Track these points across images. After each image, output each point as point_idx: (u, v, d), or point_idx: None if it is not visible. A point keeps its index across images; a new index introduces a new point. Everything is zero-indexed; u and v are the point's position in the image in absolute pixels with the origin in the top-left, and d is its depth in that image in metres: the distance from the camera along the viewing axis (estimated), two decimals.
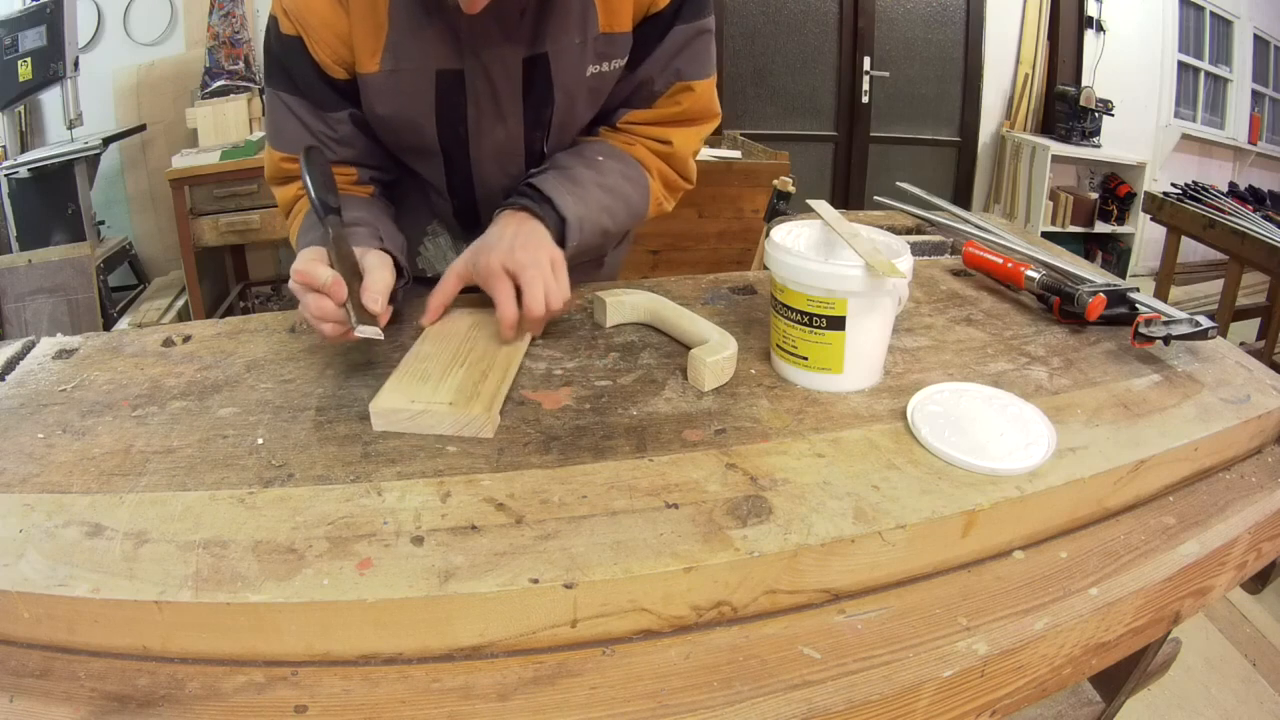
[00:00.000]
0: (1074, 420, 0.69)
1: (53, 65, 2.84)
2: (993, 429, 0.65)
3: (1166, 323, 0.80)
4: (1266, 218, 2.68)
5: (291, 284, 0.74)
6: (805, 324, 0.72)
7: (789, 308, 0.73)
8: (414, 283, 1.11)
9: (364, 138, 0.93)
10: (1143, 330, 0.80)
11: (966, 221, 1.19)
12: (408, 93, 0.87)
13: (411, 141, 0.94)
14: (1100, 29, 4.16)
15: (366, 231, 0.85)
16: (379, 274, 0.75)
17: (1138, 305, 0.86)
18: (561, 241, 0.86)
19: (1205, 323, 0.80)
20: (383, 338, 0.71)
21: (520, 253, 0.80)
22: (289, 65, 0.87)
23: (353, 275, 0.74)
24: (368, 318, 0.71)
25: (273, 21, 0.87)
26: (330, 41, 0.84)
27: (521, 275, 0.78)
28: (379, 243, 0.83)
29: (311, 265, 0.73)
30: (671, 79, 0.94)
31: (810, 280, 0.70)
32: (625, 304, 0.87)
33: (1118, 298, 0.86)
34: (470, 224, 1.04)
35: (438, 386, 0.70)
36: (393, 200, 1.03)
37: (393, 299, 0.77)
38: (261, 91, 3.24)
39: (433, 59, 0.85)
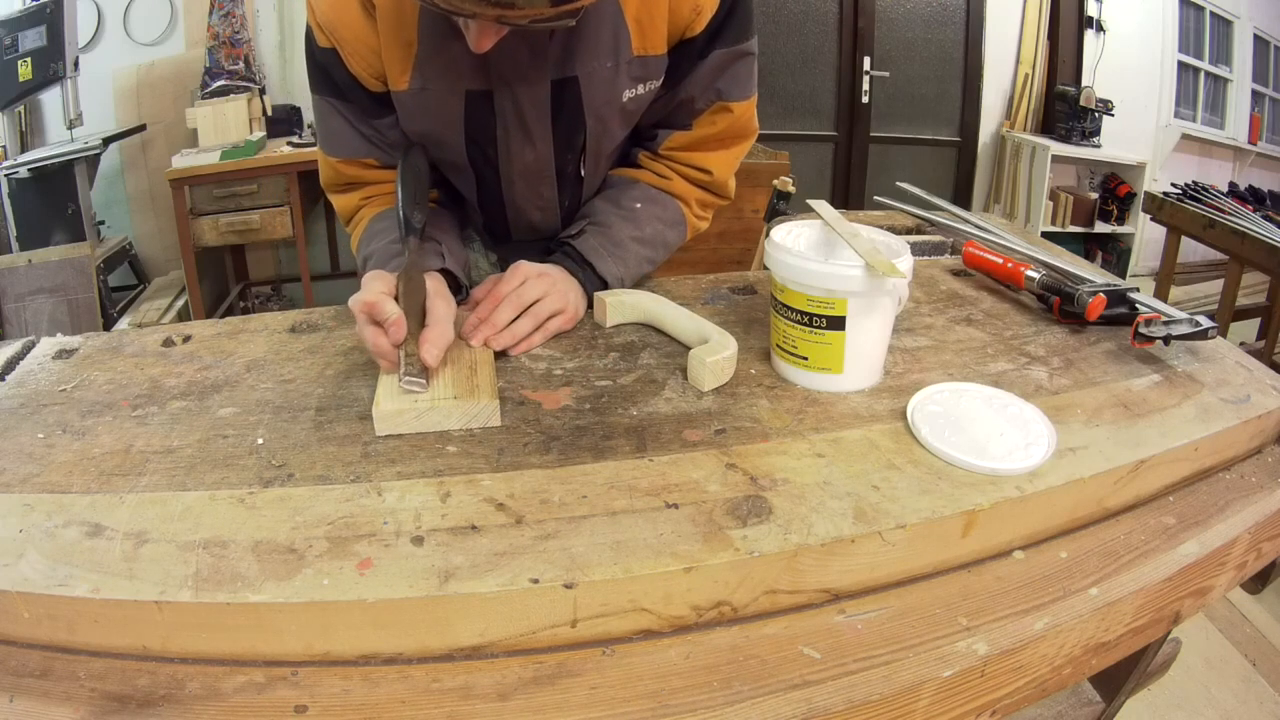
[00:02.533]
0: (1074, 420, 0.69)
1: (53, 65, 2.84)
2: (993, 429, 0.65)
3: (1166, 323, 0.80)
4: (1266, 218, 2.68)
5: (353, 307, 0.72)
6: (805, 324, 0.72)
7: (789, 308, 0.73)
8: None
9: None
10: (1143, 330, 0.80)
11: (966, 221, 1.19)
12: (437, 112, 0.87)
13: (443, 157, 0.94)
14: (1100, 29, 4.16)
15: (431, 247, 0.84)
16: (443, 327, 0.73)
17: (1138, 305, 0.86)
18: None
19: (1205, 323, 0.80)
20: (425, 391, 0.68)
21: (545, 280, 0.84)
22: (331, 73, 0.87)
23: (417, 317, 0.72)
24: (416, 371, 0.69)
25: (309, 33, 0.87)
26: (364, 55, 0.84)
27: (529, 288, 0.82)
28: (441, 260, 0.83)
29: (380, 298, 0.71)
30: (712, 98, 0.94)
31: (810, 280, 0.70)
32: (625, 304, 0.87)
33: (1118, 298, 0.86)
34: (501, 237, 1.05)
35: (434, 384, 0.70)
36: (453, 201, 1.03)
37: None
38: (262, 91, 3.25)
39: (462, 79, 0.85)
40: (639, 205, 0.95)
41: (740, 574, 0.53)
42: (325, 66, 0.87)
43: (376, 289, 0.72)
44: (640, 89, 0.90)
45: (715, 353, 0.74)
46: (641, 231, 0.94)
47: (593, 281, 0.90)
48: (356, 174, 0.93)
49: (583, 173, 0.97)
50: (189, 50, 3.28)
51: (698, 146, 0.98)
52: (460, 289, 0.85)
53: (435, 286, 0.77)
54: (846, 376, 0.73)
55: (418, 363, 0.69)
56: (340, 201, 0.96)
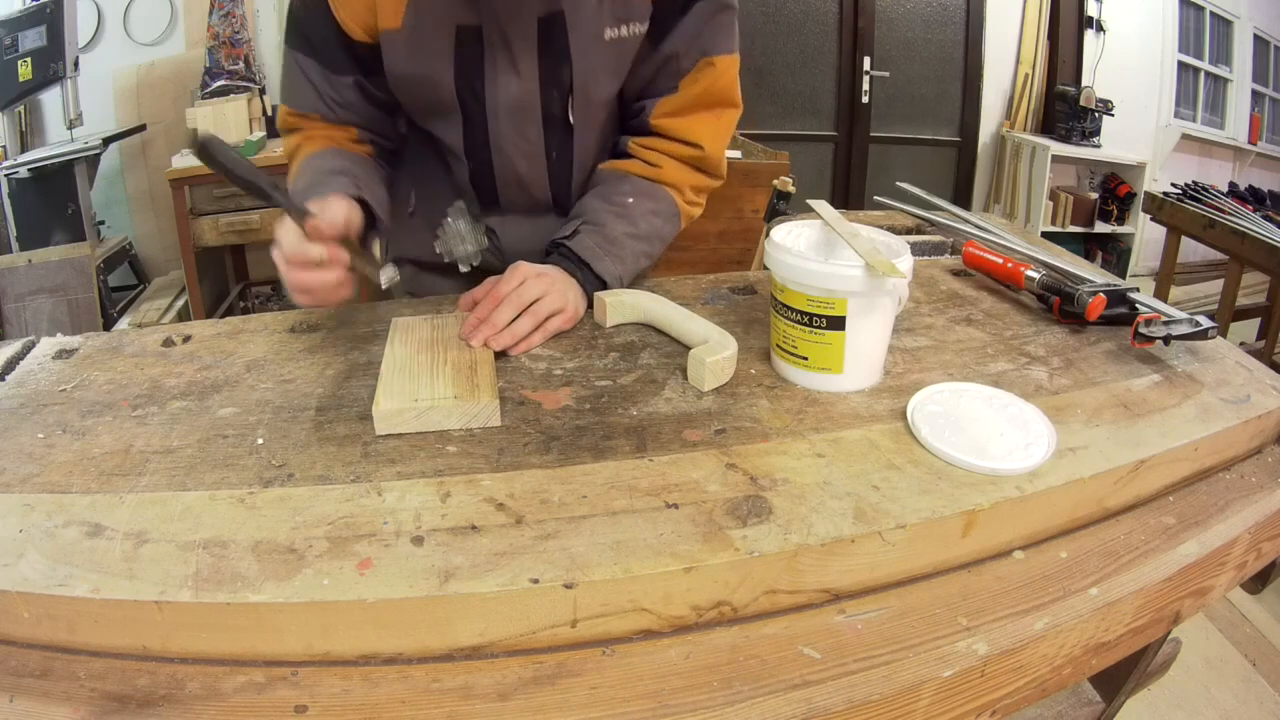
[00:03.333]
0: (1074, 420, 0.69)
1: (53, 65, 2.84)
2: (993, 429, 0.65)
3: (1166, 323, 0.80)
4: (1266, 218, 2.68)
5: (281, 258, 0.76)
6: (805, 324, 0.72)
7: (789, 308, 0.73)
8: (422, 270, 1.11)
9: (367, 105, 0.96)
10: (1143, 330, 0.80)
11: (966, 221, 1.19)
12: (428, 48, 0.89)
13: (430, 99, 0.95)
14: (1100, 29, 4.16)
15: (347, 180, 0.86)
16: (329, 210, 0.77)
17: (1138, 305, 0.86)
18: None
19: (1205, 322, 0.80)
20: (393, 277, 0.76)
21: (544, 280, 0.85)
22: (308, 27, 0.91)
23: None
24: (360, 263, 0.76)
25: None
26: (354, 3, 0.87)
27: (528, 287, 0.83)
28: (355, 191, 0.85)
29: (299, 245, 0.75)
30: (696, 55, 0.95)
31: (810, 280, 0.70)
32: (625, 304, 0.87)
33: (1118, 298, 0.86)
34: (488, 195, 1.04)
35: (434, 384, 0.70)
36: (391, 165, 1.05)
37: (372, 237, 0.85)
38: (262, 91, 3.25)
39: (452, 14, 0.88)
40: (631, 200, 0.96)
41: (740, 574, 0.53)
42: (303, 20, 0.91)
43: (290, 239, 0.75)
44: (623, 30, 0.91)
45: (715, 353, 0.74)
46: (636, 228, 0.95)
47: (591, 281, 0.90)
48: (302, 124, 0.97)
49: (571, 118, 0.97)
50: (189, 50, 3.28)
51: (685, 111, 0.98)
52: (375, 222, 0.88)
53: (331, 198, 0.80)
54: (846, 376, 0.73)
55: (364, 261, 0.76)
56: (286, 142, 1.00)
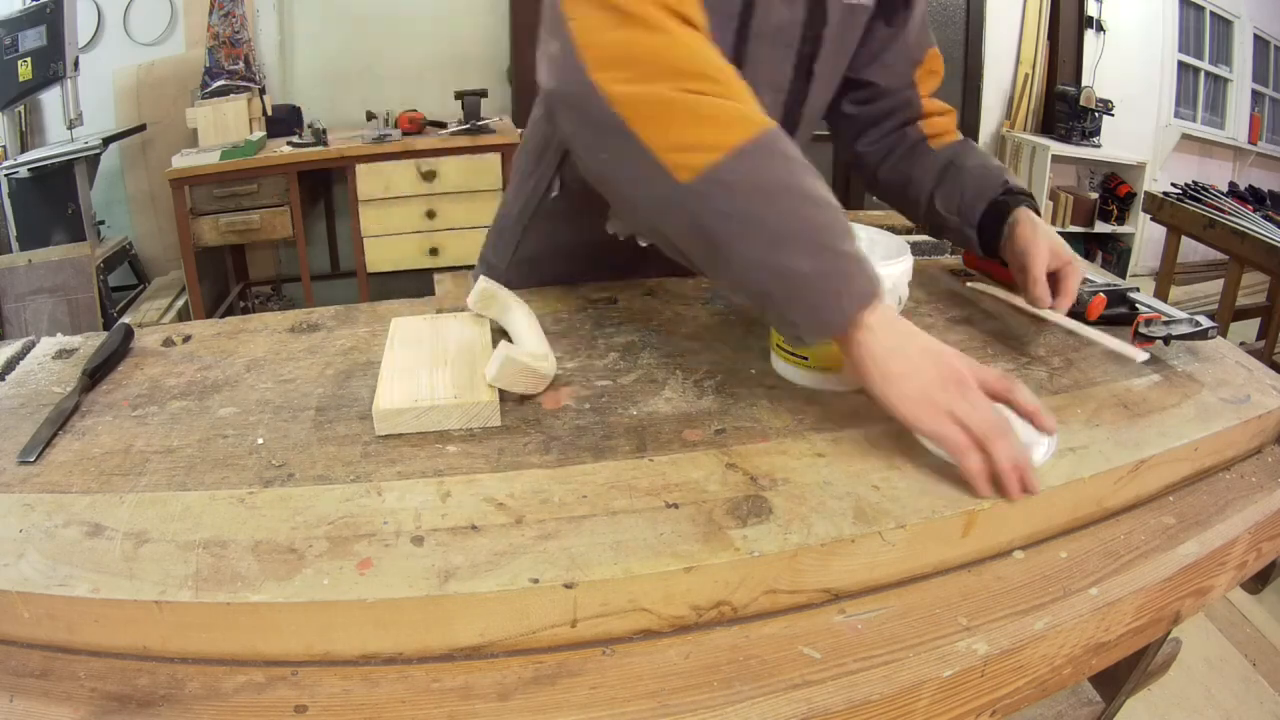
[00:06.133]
0: (1074, 420, 0.69)
1: (53, 65, 2.84)
2: None
3: (1167, 323, 0.80)
4: (1266, 218, 2.68)
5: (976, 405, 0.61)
6: None
7: None
8: (550, 258, 1.02)
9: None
10: (1143, 330, 0.80)
11: None
12: None
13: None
14: (1100, 29, 4.16)
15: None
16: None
17: (1138, 305, 0.86)
18: None
19: (1205, 322, 0.80)
20: None
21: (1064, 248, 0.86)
22: None
23: None
24: None
25: None
26: None
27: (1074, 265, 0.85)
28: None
29: (1012, 381, 0.63)
30: (925, 44, 0.99)
31: None
32: (496, 299, 0.84)
33: (1118, 298, 0.86)
34: None
35: (433, 384, 0.70)
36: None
37: None
38: (262, 91, 3.24)
39: None
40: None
41: (740, 574, 0.53)
42: None
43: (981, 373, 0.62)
44: None
45: (519, 352, 0.70)
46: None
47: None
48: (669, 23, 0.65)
49: (812, 81, 0.92)
50: (189, 50, 3.28)
51: (943, 112, 1.03)
52: None
53: None
54: (846, 376, 0.73)
55: None
56: (677, 30, 0.64)
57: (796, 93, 0.93)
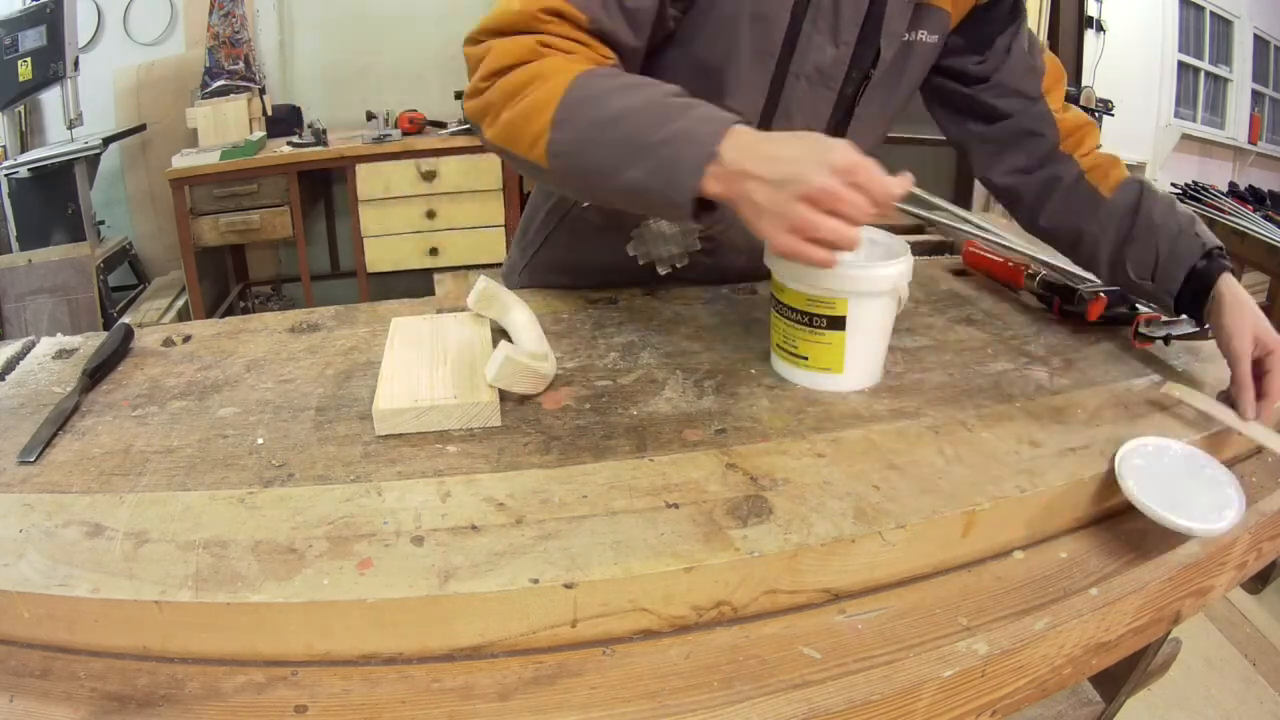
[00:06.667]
0: (1074, 420, 0.69)
1: (53, 65, 2.84)
2: (1190, 489, 0.63)
3: (1166, 322, 0.80)
4: (1266, 218, 2.68)
5: (833, 184, 0.61)
6: (805, 324, 0.72)
7: (789, 307, 0.73)
8: (557, 270, 1.00)
9: (642, 29, 0.76)
10: (1143, 330, 0.79)
11: (966, 221, 1.19)
12: None
13: (751, 42, 0.80)
14: (1100, 29, 4.15)
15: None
16: None
17: (1137, 305, 0.86)
18: None
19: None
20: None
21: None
22: None
23: None
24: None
25: None
26: None
27: None
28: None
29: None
30: (1037, 51, 0.94)
31: (810, 279, 0.70)
32: (496, 299, 0.84)
33: (1118, 298, 0.86)
34: None
35: (433, 384, 0.70)
36: None
37: None
38: (262, 91, 3.25)
39: None
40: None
41: (740, 574, 0.53)
42: None
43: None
44: (914, 35, 0.86)
45: (519, 352, 0.70)
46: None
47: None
48: (545, 28, 0.73)
49: (851, 122, 0.90)
50: (189, 50, 3.28)
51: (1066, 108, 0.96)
52: None
53: None
54: (847, 376, 0.73)
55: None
56: (507, 48, 0.72)
57: (834, 131, 0.90)
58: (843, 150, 0.62)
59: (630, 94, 0.69)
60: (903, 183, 0.63)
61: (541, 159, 0.70)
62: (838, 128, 0.90)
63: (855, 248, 0.62)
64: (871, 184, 0.61)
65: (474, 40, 0.75)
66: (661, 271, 0.96)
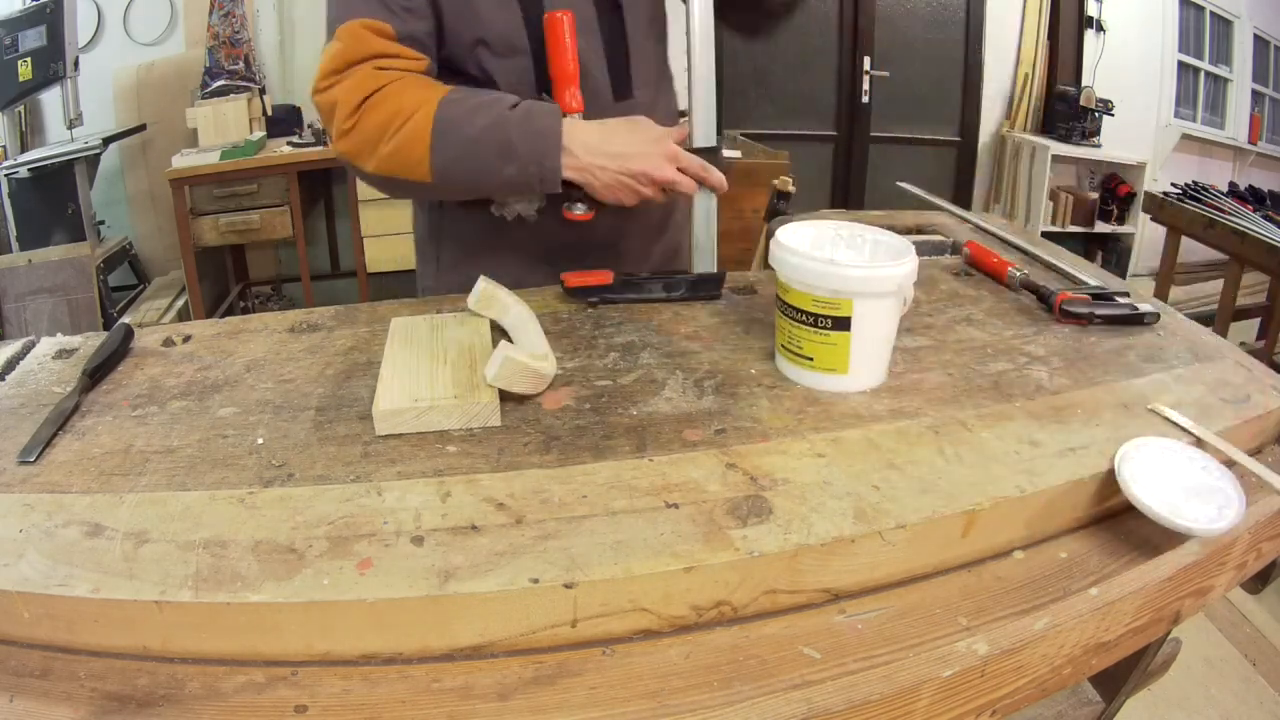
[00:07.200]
0: (1074, 420, 0.69)
1: (53, 65, 2.84)
2: (1189, 488, 0.63)
3: (1092, 300, 0.85)
4: (1266, 218, 2.68)
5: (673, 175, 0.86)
6: (810, 324, 0.72)
7: (794, 308, 0.73)
8: (472, 254, 1.07)
9: (432, 18, 0.89)
10: (1066, 307, 0.84)
11: (966, 221, 1.19)
12: None
13: None
14: (1100, 29, 4.16)
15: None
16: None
17: (1100, 294, 0.89)
18: None
19: (1145, 308, 0.85)
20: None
21: None
22: None
23: None
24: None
25: None
26: None
27: None
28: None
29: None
30: None
31: (816, 280, 0.70)
32: (496, 299, 0.85)
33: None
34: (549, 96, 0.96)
35: (433, 384, 0.70)
36: None
37: None
38: (262, 91, 3.25)
39: None
40: None
41: (740, 574, 0.53)
42: None
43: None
44: None
45: (520, 352, 0.70)
46: None
47: None
48: (374, 49, 0.87)
49: (623, 13, 0.95)
50: (189, 50, 3.29)
51: None
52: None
53: None
54: (852, 377, 0.73)
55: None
56: (356, 84, 0.86)
57: (612, 31, 0.95)
58: (667, 140, 0.88)
59: (482, 114, 0.86)
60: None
61: (426, 177, 0.87)
62: (612, 23, 0.96)
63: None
64: (695, 170, 0.90)
65: (319, 90, 0.88)
66: (527, 214, 1.02)
